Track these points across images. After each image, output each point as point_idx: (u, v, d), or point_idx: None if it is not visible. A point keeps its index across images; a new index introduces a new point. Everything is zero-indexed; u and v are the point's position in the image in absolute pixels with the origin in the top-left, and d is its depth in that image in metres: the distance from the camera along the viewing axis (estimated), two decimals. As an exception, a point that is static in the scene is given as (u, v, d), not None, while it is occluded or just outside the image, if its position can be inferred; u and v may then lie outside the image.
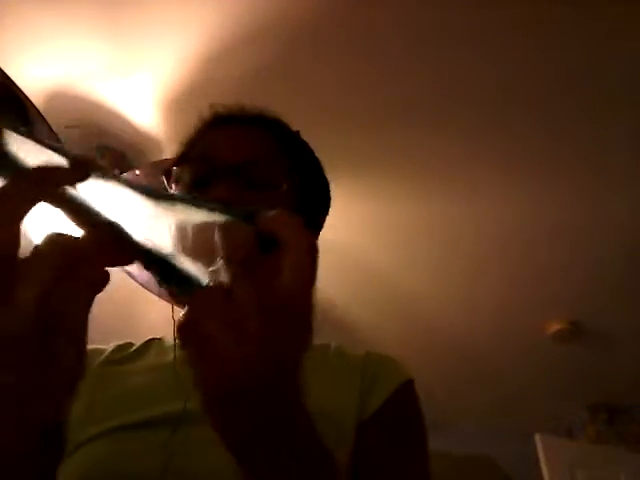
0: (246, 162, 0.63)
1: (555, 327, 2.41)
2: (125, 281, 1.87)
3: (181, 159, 0.70)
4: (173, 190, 0.66)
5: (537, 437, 2.49)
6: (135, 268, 1.88)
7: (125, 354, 0.71)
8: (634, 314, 2.34)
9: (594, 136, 1.69)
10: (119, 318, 2.25)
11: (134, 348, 0.72)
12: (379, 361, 0.69)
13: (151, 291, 1.88)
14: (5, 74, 1.39)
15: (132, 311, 2.19)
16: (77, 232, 0.35)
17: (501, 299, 2.32)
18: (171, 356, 0.67)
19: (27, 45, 1.53)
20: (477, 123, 1.68)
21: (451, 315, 2.41)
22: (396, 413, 0.64)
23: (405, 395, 0.67)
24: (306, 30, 1.46)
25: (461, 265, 2.18)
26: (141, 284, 1.85)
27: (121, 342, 0.73)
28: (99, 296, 0.35)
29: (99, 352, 0.70)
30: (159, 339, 0.74)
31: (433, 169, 1.83)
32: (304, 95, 1.63)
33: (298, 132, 0.75)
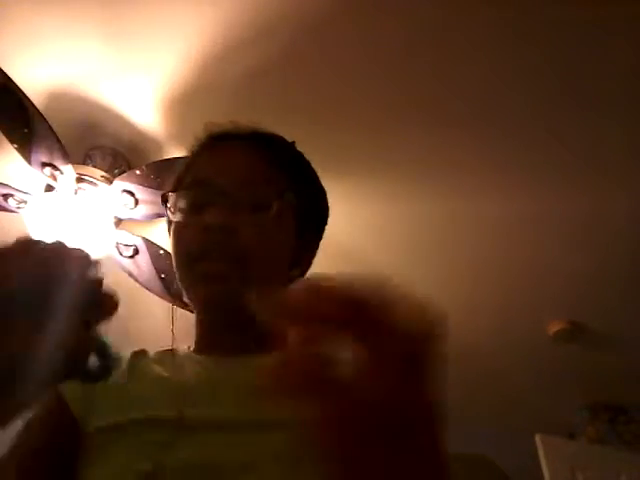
0: (236, 184, 0.66)
1: (556, 327, 2.41)
2: (125, 281, 1.87)
3: (176, 185, 0.72)
4: (170, 214, 0.69)
5: (537, 437, 2.49)
6: (135, 268, 1.88)
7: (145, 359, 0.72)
8: (635, 314, 2.33)
9: (596, 136, 1.69)
10: (119, 318, 2.25)
11: (153, 355, 0.74)
12: None
13: (152, 291, 1.88)
14: (5, 74, 1.39)
15: (132, 311, 2.19)
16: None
17: (502, 299, 2.32)
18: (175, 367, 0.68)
19: (27, 45, 1.52)
20: (479, 122, 1.68)
21: (452, 315, 2.37)
22: None
23: None
24: (307, 30, 1.46)
25: (462, 265, 2.18)
26: (141, 284, 1.85)
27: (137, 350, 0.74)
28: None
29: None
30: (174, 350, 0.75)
31: (434, 168, 1.83)
32: (304, 95, 1.63)
33: (293, 143, 0.77)
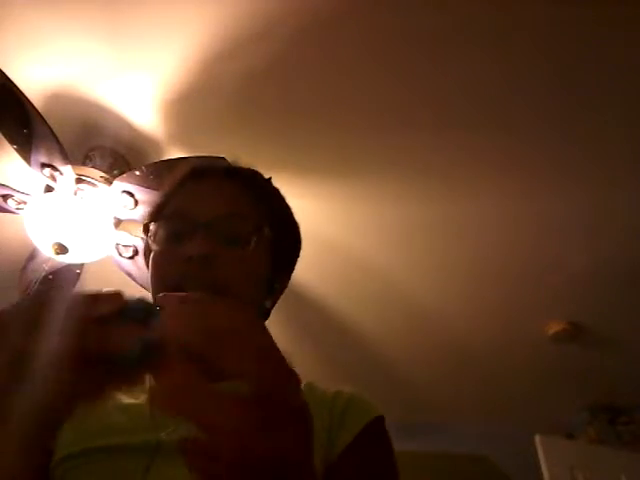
0: (217, 218, 0.68)
1: (555, 328, 2.41)
2: (125, 282, 1.87)
3: (157, 215, 0.74)
4: (151, 243, 0.71)
5: (537, 438, 2.49)
6: (134, 268, 1.88)
7: None
8: (634, 314, 2.34)
9: (596, 135, 1.69)
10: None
11: None
12: (348, 399, 0.69)
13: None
14: (5, 75, 1.39)
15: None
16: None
17: (501, 299, 2.32)
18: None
19: (27, 46, 1.52)
20: (478, 122, 1.68)
21: (452, 315, 2.41)
22: (365, 450, 0.64)
23: (374, 432, 0.66)
24: (307, 29, 1.46)
25: (462, 265, 2.18)
26: (141, 285, 1.85)
27: None
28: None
29: None
30: None
31: (434, 169, 1.83)
32: (304, 95, 1.63)
33: (270, 179, 0.79)
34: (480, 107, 1.63)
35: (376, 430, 0.66)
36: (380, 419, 0.67)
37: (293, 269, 0.79)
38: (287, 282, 0.78)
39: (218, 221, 0.67)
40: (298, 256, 0.80)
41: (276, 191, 0.79)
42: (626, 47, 1.46)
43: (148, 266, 0.72)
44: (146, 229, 0.72)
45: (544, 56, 1.50)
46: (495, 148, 1.75)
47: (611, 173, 1.80)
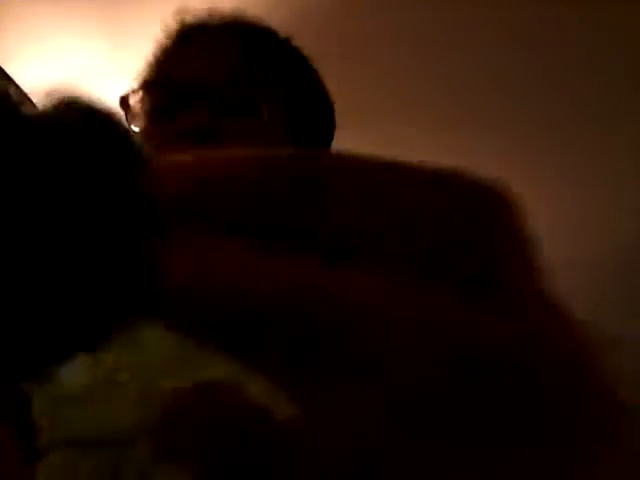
0: (218, 81, 0.51)
1: (554, 327, 2.41)
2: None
3: (140, 85, 0.57)
4: (131, 120, 0.54)
5: (536, 437, 2.50)
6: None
7: None
8: (634, 314, 2.34)
9: (593, 135, 1.69)
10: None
11: None
12: None
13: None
14: (5, 73, 1.39)
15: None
16: None
17: (501, 299, 2.32)
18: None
19: (27, 44, 1.53)
20: (474, 123, 1.68)
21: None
22: None
23: None
24: (307, 29, 1.46)
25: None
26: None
27: None
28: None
29: None
30: None
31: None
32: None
33: (288, 38, 0.63)
34: (476, 108, 1.63)
35: None
36: None
37: (330, 143, 0.63)
38: None
39: (218, 84, 0.51)
40: (328, 137, 0.62)
41: (294, 49, 0.62)
42: (626, 48, 1.46)
43: None
44: (124, 104, 0.55)
45: (543, 56, 1.50)
46: (490, 149, 1.75)
47: (611, 172, 1.80)
